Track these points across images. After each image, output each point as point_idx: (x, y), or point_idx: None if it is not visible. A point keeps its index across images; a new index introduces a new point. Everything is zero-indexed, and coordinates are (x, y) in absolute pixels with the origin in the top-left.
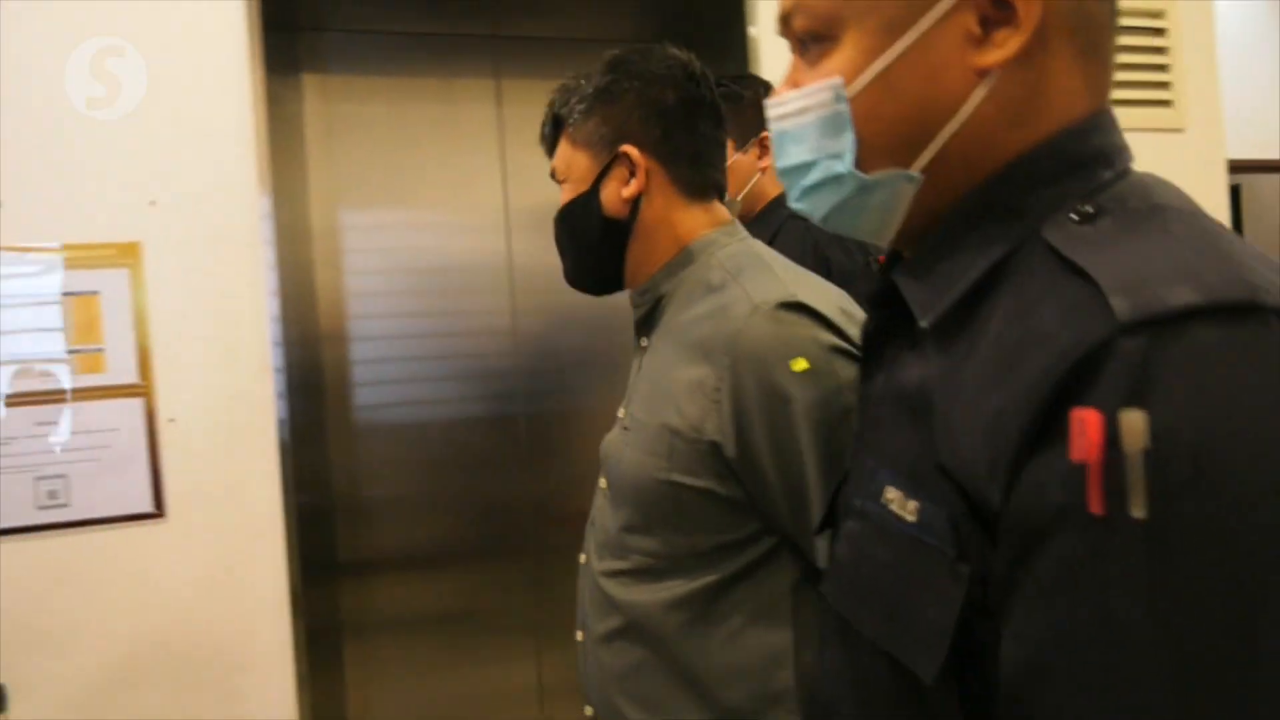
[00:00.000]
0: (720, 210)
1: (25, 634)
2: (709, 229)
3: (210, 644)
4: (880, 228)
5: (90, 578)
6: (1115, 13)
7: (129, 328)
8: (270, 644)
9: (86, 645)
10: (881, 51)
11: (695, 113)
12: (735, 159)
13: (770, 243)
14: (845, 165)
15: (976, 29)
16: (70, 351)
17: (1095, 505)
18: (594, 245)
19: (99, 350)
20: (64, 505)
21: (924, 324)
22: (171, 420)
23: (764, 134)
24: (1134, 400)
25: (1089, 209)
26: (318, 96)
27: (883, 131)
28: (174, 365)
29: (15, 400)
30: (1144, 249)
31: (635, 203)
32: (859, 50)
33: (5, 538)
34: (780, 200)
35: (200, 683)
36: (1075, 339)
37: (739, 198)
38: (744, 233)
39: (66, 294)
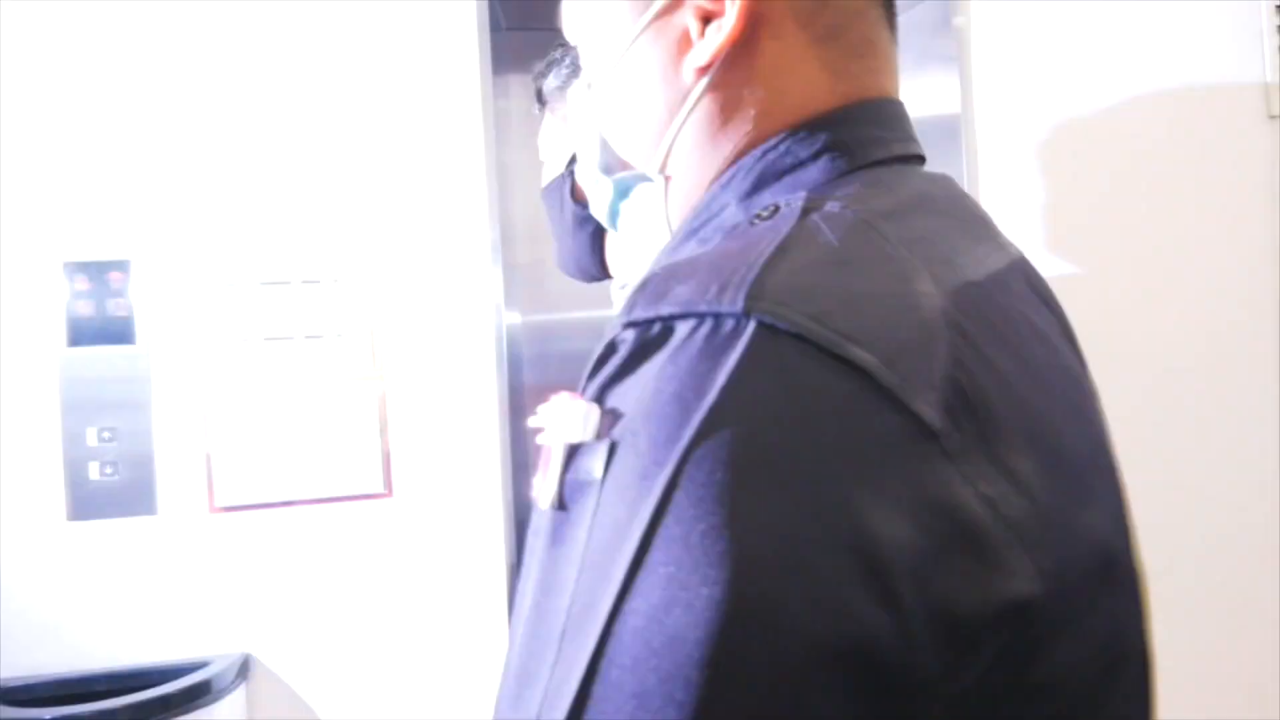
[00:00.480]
0: None
1: (268, 605)
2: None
3: (430, 619)
4: (656, 234)
5: (327, 552)
6: None
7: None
8: (486, 623)
9: (324, 616)
10: (613, 56)
11: None
12: None
13: None
14: (595, 167)
15: (693, 26)
16: (316, 338)
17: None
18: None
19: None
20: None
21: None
22: (398, 407)
23: None
24: (598, 392)
25: (765, 212)
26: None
27: (621, 135)
28: (399, 357)
29: None
30: (712, 252)
31: None
32: (596, 58)
33: (254, 511)
34: None
35: (419, 655)
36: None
37: None
38: None
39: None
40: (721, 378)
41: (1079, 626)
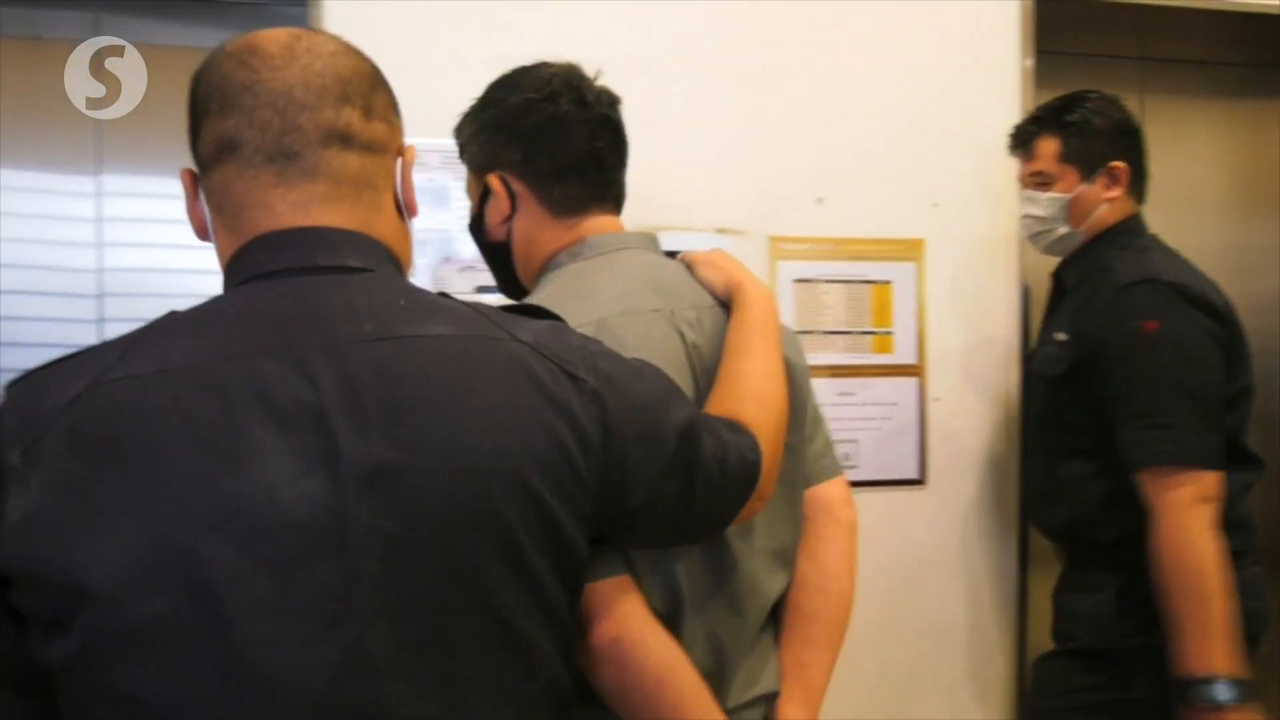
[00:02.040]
0: (594, 223)
1: None
2: (555, 247)
3: (945, 602)
4: None
5: (866, 533)
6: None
7: (911, 315)
8: (994, 610)
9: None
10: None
11: (561, 130)
12: (1080, 190)
13: (1082, 279)
14: None
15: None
16: (867, 332)
17: None
18: (491, 265)
19: (889, 333)
20: (854, 466)
21: None
22: (936, 399)
23: (1114, 164)
24: None
25: None
26: None
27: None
28: (941, 350)
29: (825, 371)
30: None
31: (511, 225)
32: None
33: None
34: (1117, 230)
35: (932, 635)
36: None
37: (1082, 228)
38: (594, 249)
39: (867, 281)
40: None
41: None
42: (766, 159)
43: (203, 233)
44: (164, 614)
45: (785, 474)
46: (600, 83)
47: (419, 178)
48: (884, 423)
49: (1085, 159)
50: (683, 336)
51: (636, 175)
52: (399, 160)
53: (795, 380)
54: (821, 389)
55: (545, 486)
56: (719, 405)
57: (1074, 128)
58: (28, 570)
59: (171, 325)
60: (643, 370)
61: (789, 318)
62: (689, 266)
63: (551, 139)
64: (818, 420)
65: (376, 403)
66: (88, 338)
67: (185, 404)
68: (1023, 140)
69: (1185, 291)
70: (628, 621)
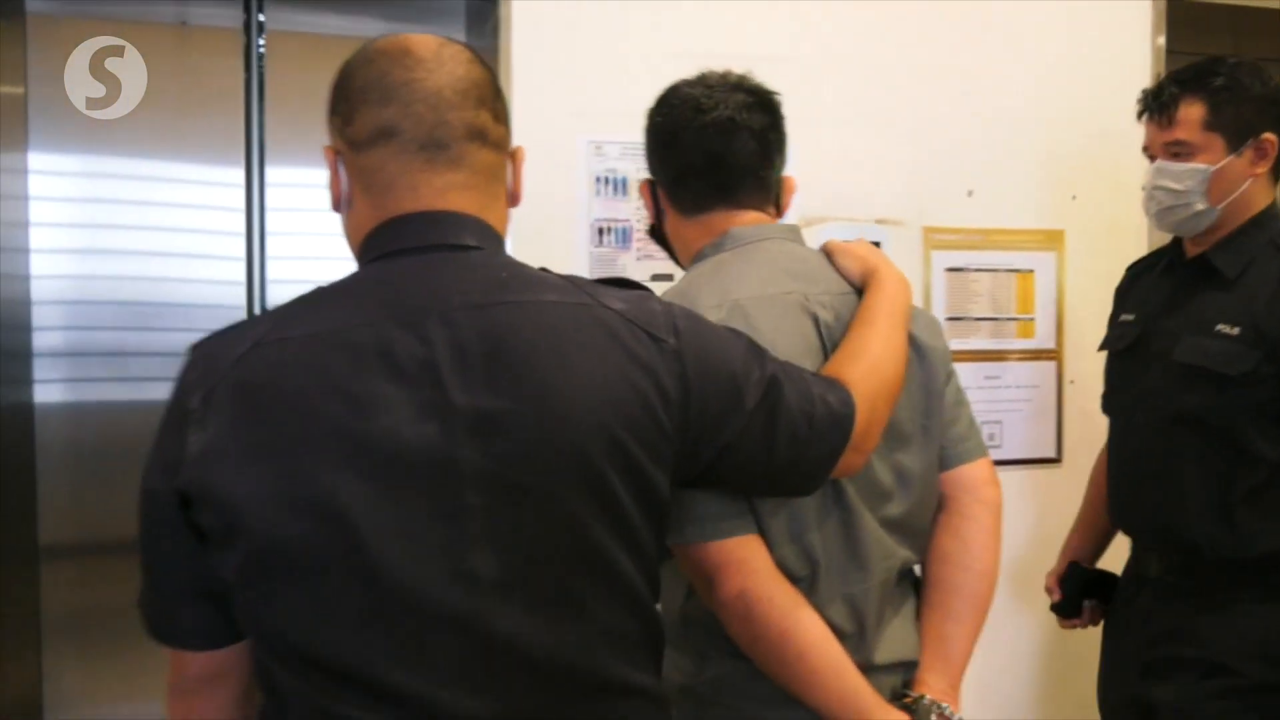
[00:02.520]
0: (729, 218)
1: None
2: (702, 242)
3: None
4: None
5: (1007, 509)
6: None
7: (1051, 302)
8: None
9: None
10: None
11: (674, 139)
12: (1226, 162)
13: (1245, 269)
14: None
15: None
16: (1010, 319)
17: None
18: (674, 261)
19: (1030, 319)
20: (998, 446)
21: None
22: (1072, 382)
23: (1266, 135)
24: None
25: None
26: None
27: None
28: (1078, 336)
29: (972, 355)
30: None
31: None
32: None
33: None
34: (1267, 216)
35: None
36: None
37: (1220, 206)
38: (735, 241)
39: (1012, 270)
40: None
41: None
42: (920, 153)
43: (338, 204)
44: (305, 535)
45: (917, 456)
46: (751, 82)
47: (599, 167)
48: (1025, 404)
49: (1234, 128)
50: (815, 318)
51: (800, 169)
52: (510, 159)
53: (929, 362)
54: (969, 372)
55: (629, 435)
56: (831, 367)
57: (1225, 93)
58: (203, 493)
59: (317, 297)
60: (723, 333)
61: (940, 304)
62: (830, 255)
63: (668, 148)
64: (960, 404)
65: (481, 360)
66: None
67: (323, 361)
68: (1162, 105)
69: None
70: (753, 577)
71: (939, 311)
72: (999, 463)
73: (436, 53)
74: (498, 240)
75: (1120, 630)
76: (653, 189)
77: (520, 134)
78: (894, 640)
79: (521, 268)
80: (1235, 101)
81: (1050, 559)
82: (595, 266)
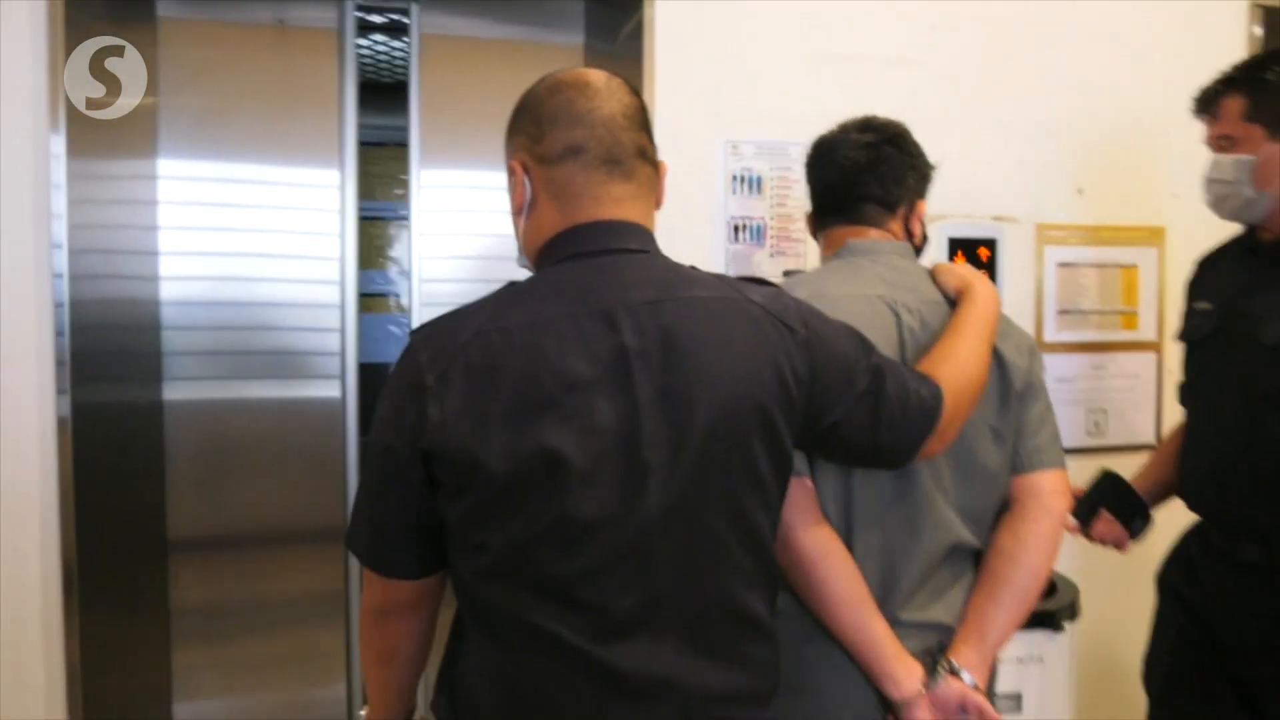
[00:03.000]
0: (847, 232)
1: None
2: (830, 250)
3: None
4: None
5: None
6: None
7: (1154, 295)
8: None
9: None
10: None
11: (809, 172)
12: (1268, 150)
13: None
14: None
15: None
16: (1116, 312)
17: None
18: None
19: (1134, 312)
20: (1103, 434)
21: None
22: (1172, 373)
23: None
24: None
25: None
26: None
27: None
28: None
29: (1078, 347)
30: None
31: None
32: None
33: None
34: None
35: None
36: None
37: (1270, 191)
38: (851, 252)
39: (1118, 265)
40: None
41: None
42: (1034, 152)
43: (520, 209)
44: (524, 475)
45: (985, 453)
46: (879, 121)
47: (735, 166)
48: (1127, 394)
49: (1273, 117)
50: (898, 317)
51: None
52: (660, 171)
53: (1008, 374)
54: (1077, 363)
55: (773, 407)
56: (924, 364)
57: (1260, 84)
58: (444, 453)
59: (519, 292)
60: (840, 326)
61: (1052, 298)
62: (933, 273)
63: (808, 182)
64: (1044, 421)
65: (658, 345)
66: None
67: (536, 346)
68: (1207, 101)
69: None
70: (796, 514)
71: (1050, 304)
72: (1104, 449)
73: (608, 84)
74: (655, 243)
75: (1201, 610)
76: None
77: (661, 136)
78: (933, 604)
79: (679, 268)
80: (1271, 92)
81: (1150, 541)
82: (731, 262)
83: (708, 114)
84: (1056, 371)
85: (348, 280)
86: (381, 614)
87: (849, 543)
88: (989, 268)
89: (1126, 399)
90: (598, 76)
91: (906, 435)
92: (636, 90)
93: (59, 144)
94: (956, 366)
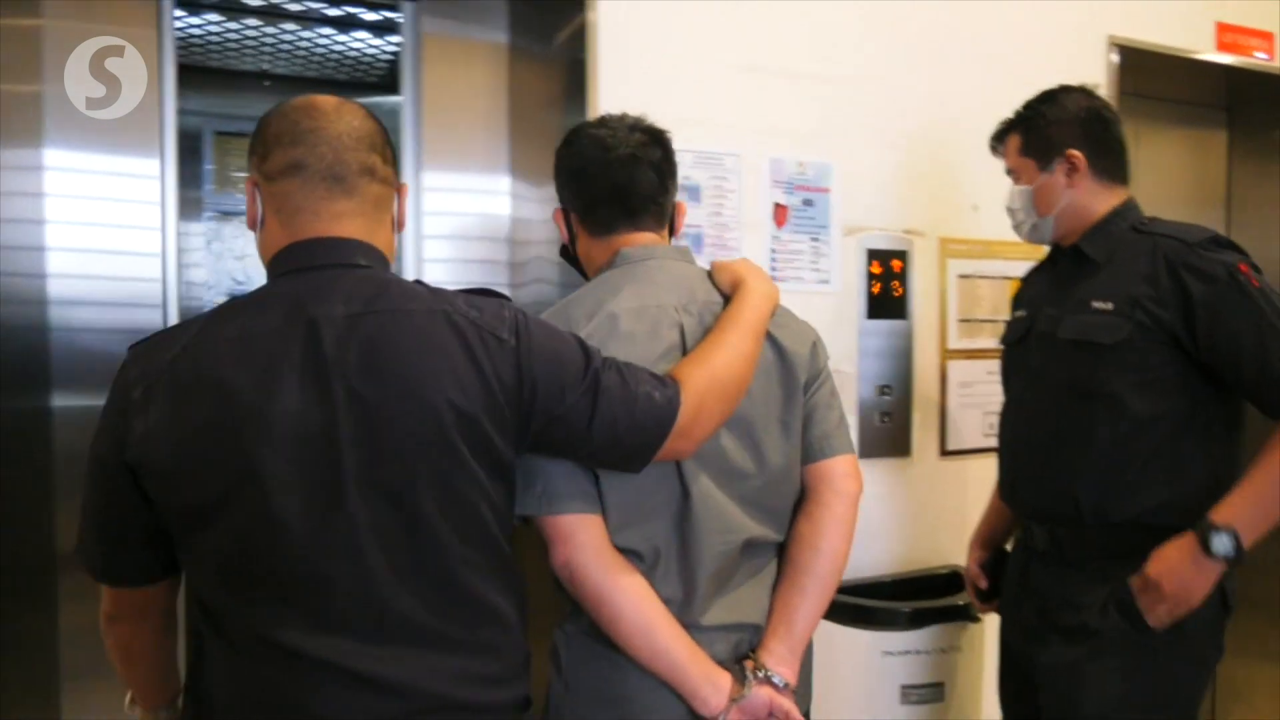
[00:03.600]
0: (627, 238)
1: None
2: (604, 259)
3: None
4: None
5: None
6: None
7: None
8: None
9: None
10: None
11: (583, 171)
12: (1041, 180)
13: (1112, 253)
14: None
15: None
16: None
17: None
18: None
19: None
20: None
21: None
22: None
23: (1070, 152)
24: None
25: None
26: None
27: None
28: None
29: (975, 354)
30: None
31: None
32: None
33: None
34: (1127, 207)
35: None
36: None
37: (1051, 216)
38: (625, 259)
39: (1007, 278)
40: None
41: None
42: (936, 169)
43: (253, 224)
44: (226, 486)
45: (774, 446)
46: (645, 123)
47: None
48: None
49: (1041, 150)
50: (681, 325)
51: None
52: (397, 193)
53: (789, 364)
54: (976, 369)
55: (477, 412)
56: (676, 367)
57: (1030, 123)
58: (147, 465)
59: (234, 307)
60: (559, 334)
61: (954, 307)
62: (711, 271)
63: (579, 180)
64: (830, 406)
65: (357, 356)
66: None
67: (241, 359)
68: (997, 138)
69: (1239, 246)
70: (579, 551)
71: (953, 313)
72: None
73: (338, 107)
74: (382, 258)
75: (1011, 603)
76: (565, 215)
77: None
78: (734, 604)
79: (395, 283)
80: (1037, 128)
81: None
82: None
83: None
84: (958, 377)
85: (169, 278)
86: (111, 619)
87: (655, 568)
88: (901, 278)
89: None
90: (328, 100)
91: (637, 437)
92: (374, 116)
93: None
94: (707, 367)
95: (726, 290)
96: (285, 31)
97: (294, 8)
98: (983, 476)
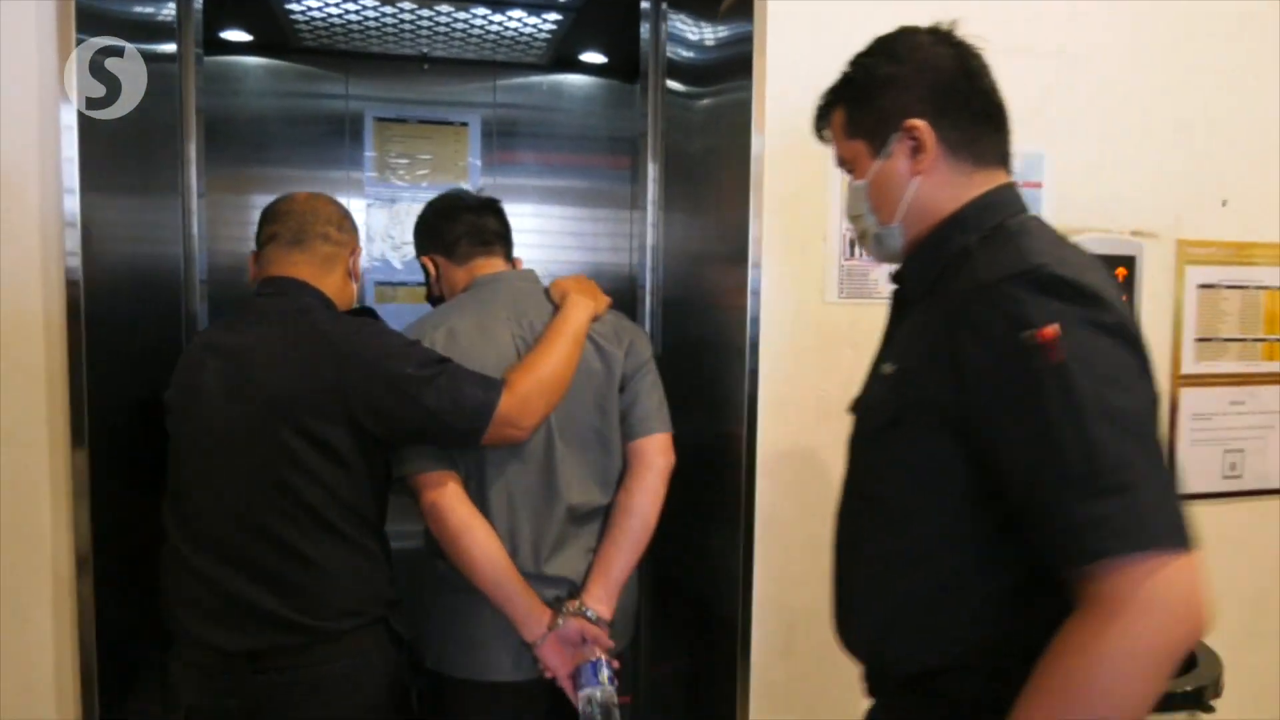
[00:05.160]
0: (483, 265)
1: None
2: (465, 283)
3: None
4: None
5: (1255, 542)
6: None
7: None
8: None
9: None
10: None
11: (448, 217)
12: (876, 168)
13: (932, 286)
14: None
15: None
16: (1258, 340)
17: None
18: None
19: (1277, 340)
20: (1238, 476)
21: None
22: None
23: (910, 122)
24: None
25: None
26: None
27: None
28: None
29: (1216, 379)
30: None
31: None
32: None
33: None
34: (972, 211)
35: None
36: None
37: (898, 222)
38: (478, 285)
39: (1261, 287)
40: None
41: None
42: (1175, 158)
43: (254, 278)
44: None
45: (596, 426)
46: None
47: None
48: (1267, 431)
49: (872, 125)
50: (514, 336)
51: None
52: (353, 253)
53: (608, 360)
54: (1215, 398)
55: (302, 402)
56: (509, 371)
57: (853, 87)
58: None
59: (218, 324)
60: (399, 340)
61: (1191, 324)
62: (550, 288)
63: (447, 221)
64: (649, 393)
65: (240, 358)
66: None
67: (198, 363)
68: (819, 117)
69: (1081, 287)
70: (441, 494)
71: (1189, 331)
72: (1239, 494)
73: (308, 198)
74: (312, 292)
75: None
76: (431, 260)
77: (770, 138)
78: (565, 561)
79: (304, 307)
80: (865, 94)
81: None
82: (845, 280)
83: None
84: (1193, 407)
85: None
86: None
87: (512, 517)
88: (1126, 289)
89: (1265, 438)
90: (301, 194)
91: (463, 424)
92: (335, 201)
93: None
94: (531, 370)
95: (558, 303)
96: (440, 14)
97: None
98: (1220, 530)
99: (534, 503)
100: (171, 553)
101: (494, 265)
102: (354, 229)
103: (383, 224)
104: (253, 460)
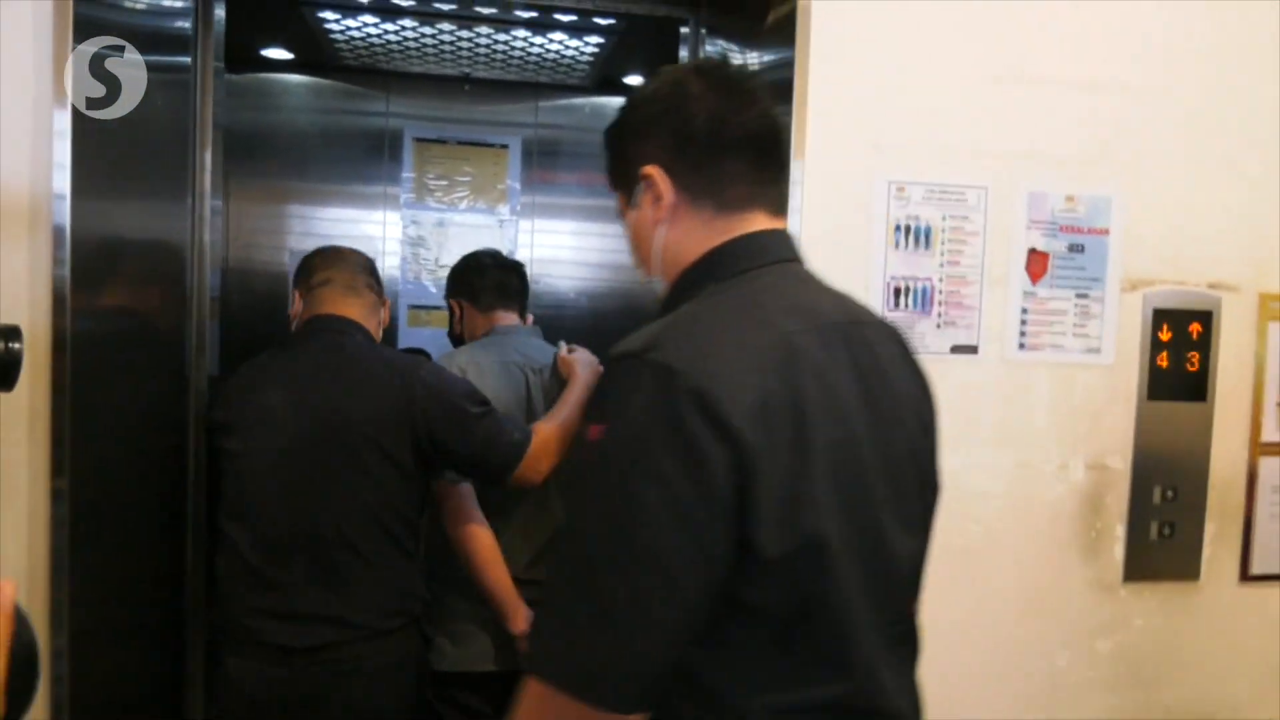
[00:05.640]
0: (502, 317)
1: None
2: (485, 330)
3: None
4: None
5: None
6: None
7: None
8: None
9: None
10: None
11: (477, 273)
12: (631, 217)
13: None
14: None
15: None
16: None
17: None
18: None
19: None
20: None
21: None
22: None
23: (644, 169)
24: None
25: None
26: None
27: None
28: None
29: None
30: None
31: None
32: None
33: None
34: (708, 264)
35: None
36: None
37: (655, 275)
38: (498, 333)
39: None
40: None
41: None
42: (1259, 202)
43: (293, 317)
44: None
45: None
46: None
47: (900, 213)
48: None
49: (622, 177)
50: (526, 376)
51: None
52: (384, 305)
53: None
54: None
55: (380, 429)
56: (536, 426)
57: (608, 136)
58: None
59: (272, 351)
60: (459, 382)
61: (1274, 387)
62: (556, 359)
63: (479, 276)
64: None
65: (323, 387)
66: None
67: (267, 385)
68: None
69: (675, 378)
70: (462, 501)
71: (1271, 395)
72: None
73: (353, 252)
74: (361, 330)
75: None
76: (458, 305)
77: (811, 171)
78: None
79: (361, 347)
80: (617, 142)
81: None
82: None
83: (866, 146)
84: (1273, 479)
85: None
86: None
87: (501, 532)
88: (1201, 347)
89: None
90: (341, 248)
91: (499, 460)
92: (370, 258)
93: None
94: (551, 430)
95: (565, 378)
96: (481, 35)
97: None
98: None
99: (533, 521)
100: (233, 559)
101: (510, 318)
102: (380, 278)
103: (418, 245)
104: (326, 472)
